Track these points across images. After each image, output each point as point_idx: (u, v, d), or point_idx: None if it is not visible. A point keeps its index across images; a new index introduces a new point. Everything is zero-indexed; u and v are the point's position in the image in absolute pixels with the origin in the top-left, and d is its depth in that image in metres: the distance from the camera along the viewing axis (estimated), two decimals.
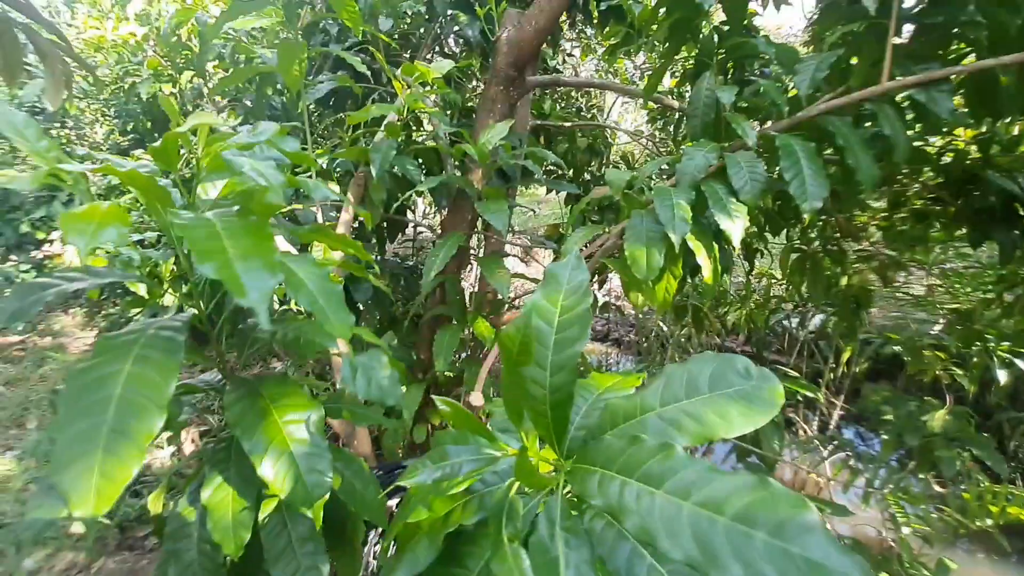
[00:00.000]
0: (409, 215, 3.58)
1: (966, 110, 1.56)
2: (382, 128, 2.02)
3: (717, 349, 4.60)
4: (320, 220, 1.74)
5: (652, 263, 1.17)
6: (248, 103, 3.28)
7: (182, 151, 0.73)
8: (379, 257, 2.60)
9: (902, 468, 2.51)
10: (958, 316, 2.95)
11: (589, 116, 4.24)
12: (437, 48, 2.82)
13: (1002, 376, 2.94)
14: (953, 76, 1.30)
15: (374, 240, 2.60)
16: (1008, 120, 2.07)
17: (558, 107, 3.66)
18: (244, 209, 0.71)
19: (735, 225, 1.17)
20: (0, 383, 3.82)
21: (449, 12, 2.23)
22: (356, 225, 2.29)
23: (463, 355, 1.89)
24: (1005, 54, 1.32)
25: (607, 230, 1.41)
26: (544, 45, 2.93)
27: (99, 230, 0.50)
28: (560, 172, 3.49)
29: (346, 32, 2.59)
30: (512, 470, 0.59)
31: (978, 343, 2.88)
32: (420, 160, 1.89)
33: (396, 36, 2.79)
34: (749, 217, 1.21)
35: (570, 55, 6.08)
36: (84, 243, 0.48)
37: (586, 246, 1.37)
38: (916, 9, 1.34)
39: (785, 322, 4.64)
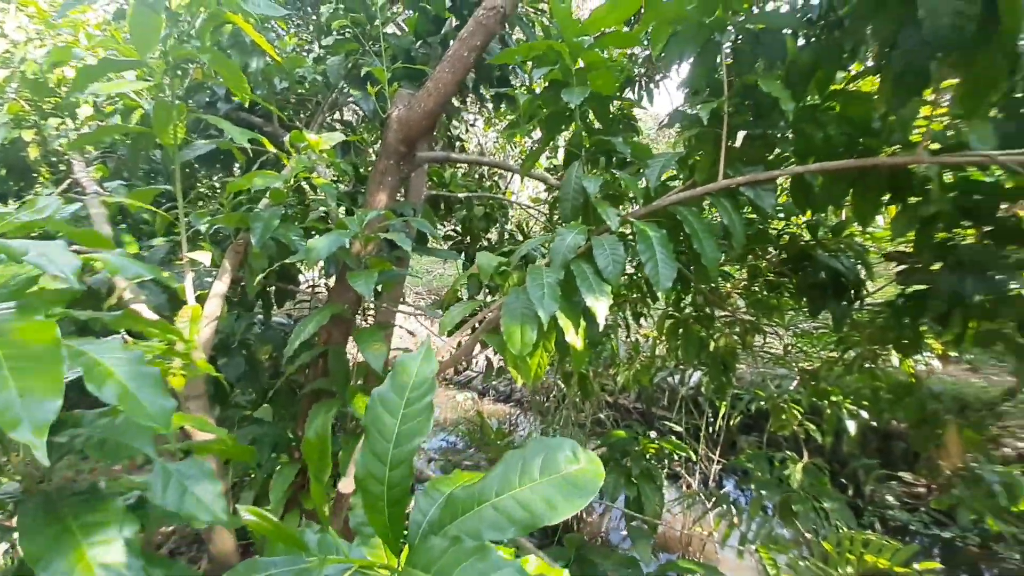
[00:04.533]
0: (303, 278, 3.45)
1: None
2: (267, 194, 1.97)
3: (609, 407, 4.78)
4: (189, 286, 1.62)
5: (526, 340, 1.22)
6: (122, 156, 3.06)
7: None
8: (263, 325, 2.46)
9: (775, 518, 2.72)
10: (809, 374, 3.34)
11: (489, 184, 4.45)
12: (336, 115, 2.85)
13: (851, 427, 3.33)
14: (778, 177, 1.56)
15: (260, 305, 2.46)
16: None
17: (458, 176, 3.81)
18: (25, 306, 0.60)
19: (600, 304, 1.26)
20: None
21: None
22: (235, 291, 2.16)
23: (342, 433, 1.81)
24: (814, 162, 1.62)
25: (490, 303, 1.46)
26: (444, 116, 3.07)
27: None
28: (459, 238, 3.58)
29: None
30: None
31: (828, 399, 3.26)
32: (309, 228, 1.85)
33: (291, 100, 2.79)
34: (631, 288, 1.32)
35: (472, 125, 6.41)
36: None
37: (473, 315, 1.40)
38: (744, 121, 1.60)
39: (669, 379, 4.97)
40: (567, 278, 1.34)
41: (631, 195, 1.63)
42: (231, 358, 1.93)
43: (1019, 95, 1.50)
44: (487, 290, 2.46)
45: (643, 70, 3.85)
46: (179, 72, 2.75)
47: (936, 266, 1.93)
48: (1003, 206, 1.78)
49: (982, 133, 1.44)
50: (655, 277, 1.30)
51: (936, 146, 1.62)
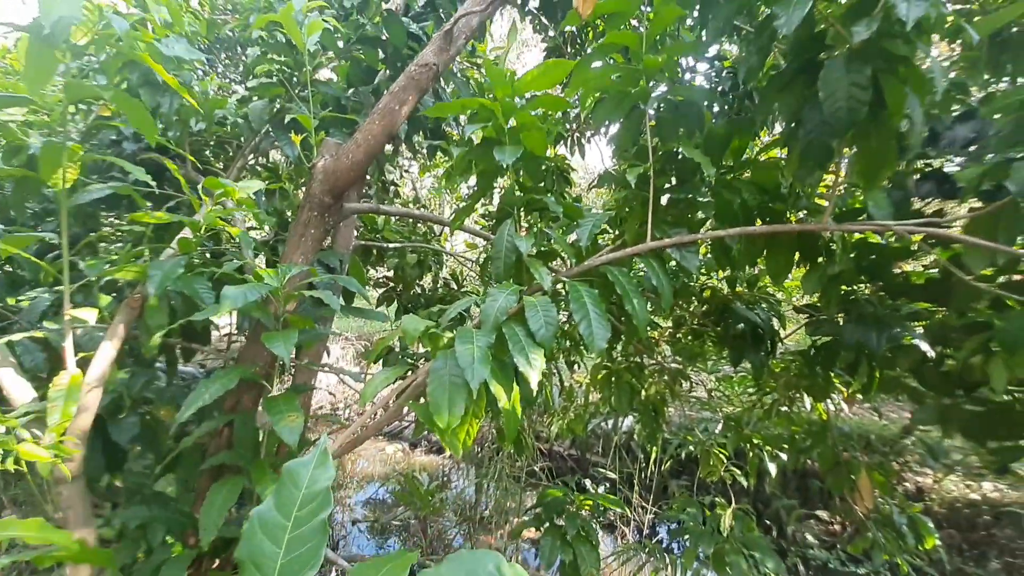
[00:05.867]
0: (222, 321, 3.19)
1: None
2: (174, 243, 1.81)
3: (543, 455, 4.71)
4: (70, 349, 1.42)
5: (454, 411, 1.15)
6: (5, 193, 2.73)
7: None
8: (169, 382, 2.21)
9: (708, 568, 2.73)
10: (732, 420, 3.46)
11: (424, 231, 4.39)
12: (257, 159, 2.72)
13: (772, 469, 3.46)
14: (699, 239, 1.62)
15: (163, 363, 2.22)
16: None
17: (392, 222, 3.73)
18: None
19: (532, 369, 1.22)
20: None
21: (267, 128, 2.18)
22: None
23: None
24: (731, 224, 1.70)
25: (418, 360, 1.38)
26: (376, 162, 3.01)
27: None
28: (391, 286, 3.47)
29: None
30: None
31: (751, 443, 3.39)
32: (219, 280, 1.70)
33: (211, 143, 2.63)
34: (564, 337, 1.29)
35: (407, 171, 6.38)
36: None
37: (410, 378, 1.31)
38: (667, 186, 1.67)
39: (603, 424, 5.00)
40: (498, 341, 1.30)
41: (562, 252, 1.63)
42: (123, 421, 1.70)
43: (901, 168, 1.68)
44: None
45: (574, 126, 4.02)
46: (82, 108, 2.52)
47: (840, 318, 2.08)
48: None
49: (879, 201, 1.59)
50: (589, 337, 1.29)
51: (837, 211, 1.77)
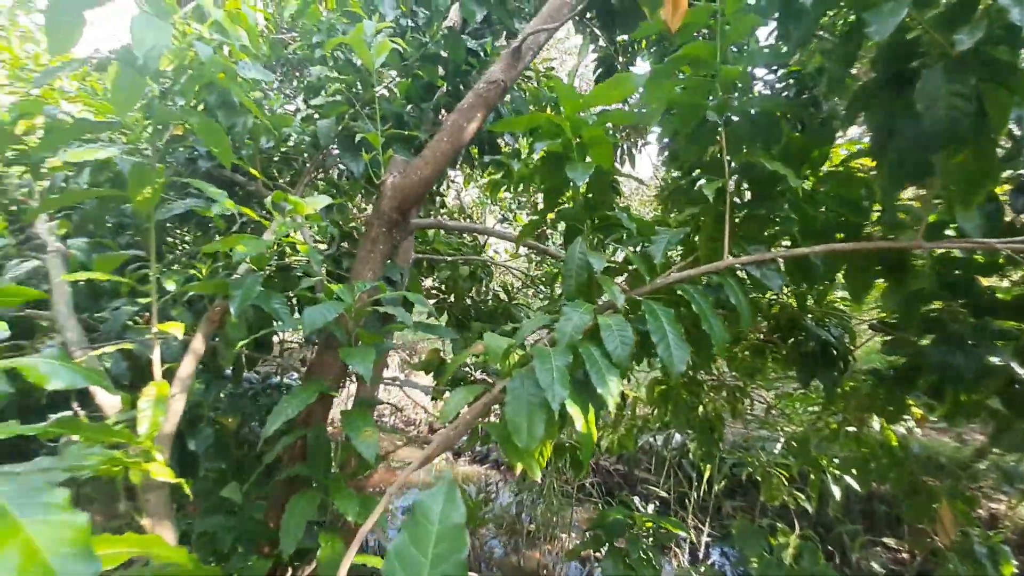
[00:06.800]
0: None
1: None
2: (247, 258, 1.87)
3: (592, 471, 4.63)
4: (157, 362, 1.48)
5: (534, 432, 1.13)
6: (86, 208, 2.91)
7: None
8: (231, 392, 2.29)
9: None
10: (797, 441, 3.30)
11: (471, 241, 4.43)
12: (321, 175, 2.80)
13: (836, 492, 3.28)
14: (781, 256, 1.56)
15: (230, 371, 2.30)
16: None
17: (441, 235, 3.77)
18: None
19: (609, 391, 1.19)
20: None
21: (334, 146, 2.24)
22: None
23: (321, 524, 1.64)
24: (813, 239, 1.63)
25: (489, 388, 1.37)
26: None
27: None
28: (442, 297, 3.50)
29: None
30: None
31: (817, 466, 3.22)
32: (291, 294, 1.75)
33: (276, 159, 2.73)
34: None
35: (453, 181, 6.46)
36: None
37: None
38: (744, 201, 1.61)
39: (652, 440, 4.87)
40: (574, 361, 1.27)
41: (631, 267, 1.60)
42: (200, 430, 1.76)
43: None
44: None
45: (624, 134, 3.97)
46: (159, 127, 2.66)
47: (925, 339, 1.95)
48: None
49: (970, 218, 1.49)
50: (668, 359, 1.25)
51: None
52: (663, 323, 1.29)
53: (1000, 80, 1.22)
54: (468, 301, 3.49)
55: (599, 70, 3.69)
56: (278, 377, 3.58)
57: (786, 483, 3.15)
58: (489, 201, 6.75)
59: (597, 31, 3.50)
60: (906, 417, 2.78)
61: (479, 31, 2.57)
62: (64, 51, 1.32)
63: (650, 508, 4.05)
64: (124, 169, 1.98)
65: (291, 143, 2.65)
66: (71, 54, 1.42)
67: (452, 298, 3.39)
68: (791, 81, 2.64)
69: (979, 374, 1.81)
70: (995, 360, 1.75)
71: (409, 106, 2.46)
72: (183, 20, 1.99)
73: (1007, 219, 1.63)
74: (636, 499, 3.96)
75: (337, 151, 2.21)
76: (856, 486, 3.13)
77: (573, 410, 1.19)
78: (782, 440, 4.34)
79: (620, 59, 3.88)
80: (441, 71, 2.37)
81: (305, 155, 2.55)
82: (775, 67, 2.83)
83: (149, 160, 1.68)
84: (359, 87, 2.22)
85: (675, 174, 2.92)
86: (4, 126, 3.19)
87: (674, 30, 1.31)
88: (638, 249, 1.57)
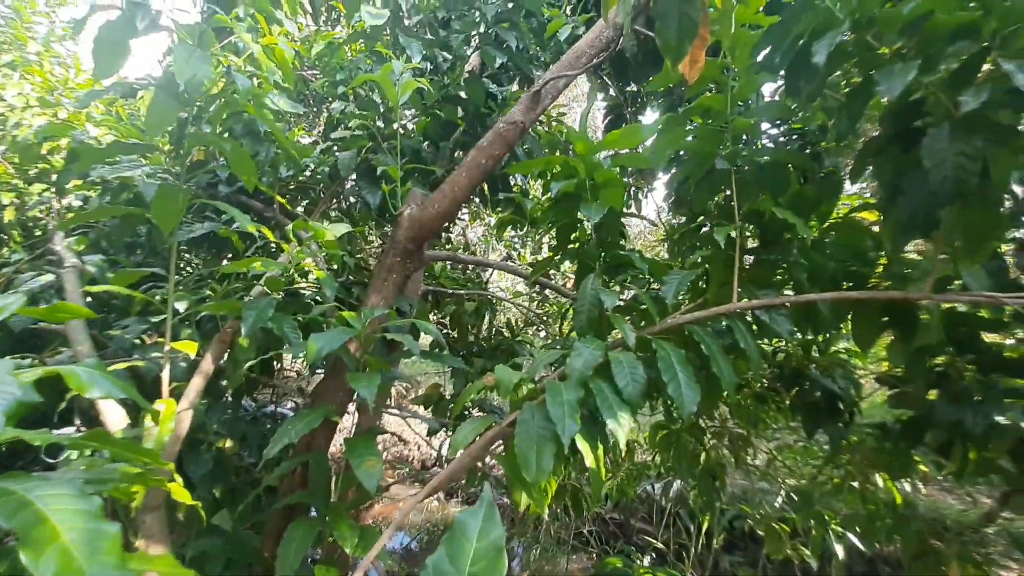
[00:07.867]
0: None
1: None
2: (262, 280, 1.89)
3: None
4: (166, 379, 1.48)
5: (543, 465, 1.12)
6: (105, 227, 2.95)
7: None
8: (228, 414, 2.26)
9: None
10: (799, 493, 3.23)
11: (475, 275, 4.46)
12: (335, 203, 2.86)
13: (839, 551, 3.18)
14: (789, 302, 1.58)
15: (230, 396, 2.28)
16: None
17: (447, 269, 3.81)
18: None
19: (620, 428, 1.19)
20: None
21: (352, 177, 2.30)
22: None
23: (315, 556, 1.59)
24: (821, 287, 1.66)
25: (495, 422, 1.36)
26: None
27: None
28: (446, 331, 3.50)
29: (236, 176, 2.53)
30: None
31: (820, 521, 3.14)
32: (300, 319, 1.76)
33: (292, 187, 2.79)
34: None
35: (460, 218, 6.56)
36: None
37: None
38: (753, 247, 1.65)
39: (649, 487, 4.75)
40: (584, 396, 1.27)
41: (641, 306, 1.62)
42: (199, 455, 1.73)
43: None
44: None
45: (631, 179, 4.07)
46: (181, 151, 2.74)
47: (932, 393, 1.95)
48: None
49: (976, 273, 1.52)
50: (679, 400, 1.25)
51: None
52: (673, 363, 1.30)
53: (1003, 142, 1.27)
54: (471, 337, 3.49)
55: (608, 118, 3.83)
56: (273, 406, 3.55)
57: (787, 539, 3.06)
58: (494, 239, 6.84)
59: (608, 80, 3.65)
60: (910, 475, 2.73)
61: (496, 76, 2.69)
62: (109, 75, 1.39)
63: (646, 560, 3.92)
64: (145, 190, 2.03)
65: (308, 173, 2.73)
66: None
67: (456, 333, 3.39)
68: (794, 136, 2.74)
69: (988, 431, 1.80)
70: (1003, 418, 1.74)
71: (426, 143, 2.54)
72: (219, 52, 2.09)
73: (1011, 277, 1.66)
74: (633, 549, 3.83)
75: (354, 182, 2.26)
76: (860, 545, 3.05)
77: (583, 445, 1.18)
78: (783, 493, 4.25)
79: (629, 108, 4.03)
80: (460, 112, 2.46)
81: (321, 185, 2.61)
82: (779, 122, 2.94)
83: (175, 182, 1.72)
84: (379, 123, 2.30)
85: (681, 219, 2.98)
86: (32, 146, 3.28)
87: (691, 81, 1.38)
88: (646, 290, 1.59)
